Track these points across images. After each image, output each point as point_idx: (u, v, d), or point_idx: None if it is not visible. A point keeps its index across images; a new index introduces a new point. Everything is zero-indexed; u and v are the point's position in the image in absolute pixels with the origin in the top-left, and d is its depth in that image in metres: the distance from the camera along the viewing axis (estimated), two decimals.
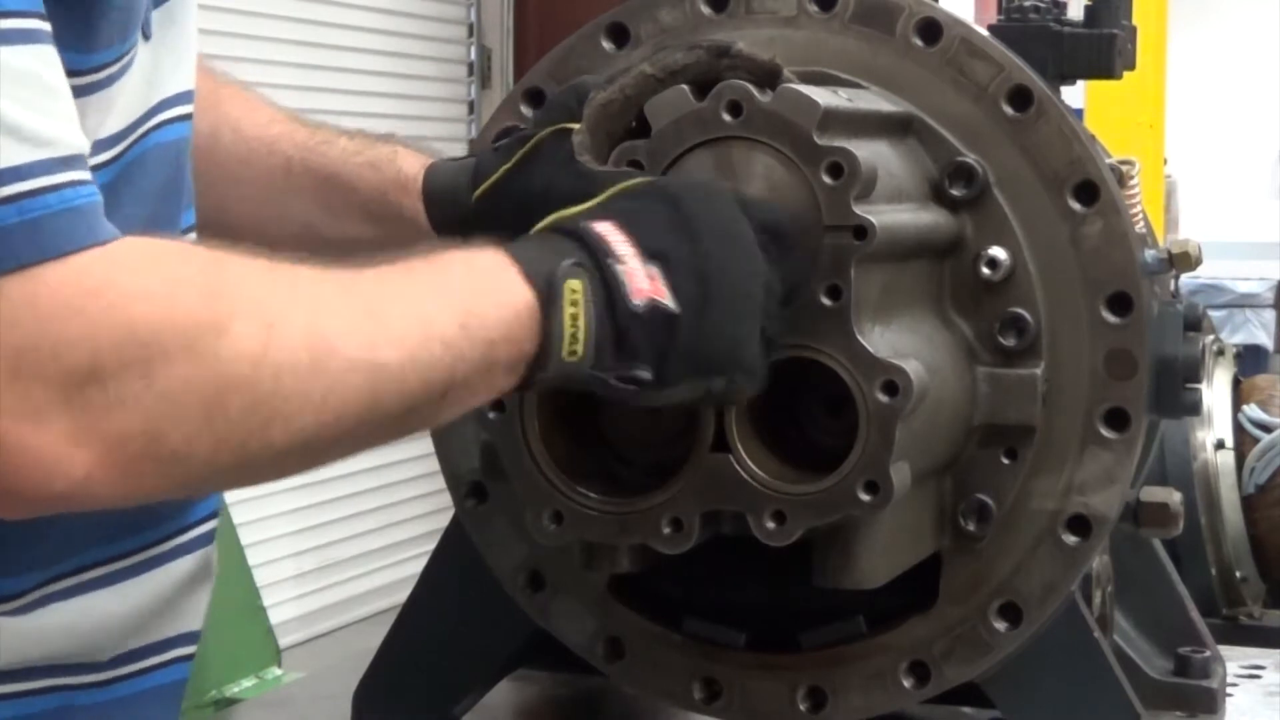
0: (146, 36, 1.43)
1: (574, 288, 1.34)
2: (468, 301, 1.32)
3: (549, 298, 1.34)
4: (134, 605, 1.51)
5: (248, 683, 2.49)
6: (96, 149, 1.37)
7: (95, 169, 1.29)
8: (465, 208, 1.63)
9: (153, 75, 1.46)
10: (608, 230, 1.38)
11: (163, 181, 1.48)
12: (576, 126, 1.55)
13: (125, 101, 1.41)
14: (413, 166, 1.70)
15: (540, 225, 1.42)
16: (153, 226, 1.44)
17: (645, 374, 1.38)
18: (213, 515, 1.60)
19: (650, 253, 1.37)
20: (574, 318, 1.34)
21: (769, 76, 1.51)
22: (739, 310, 1.41)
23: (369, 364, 1.26)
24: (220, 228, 1.69)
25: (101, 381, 1.17)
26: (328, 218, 1.71)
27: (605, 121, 1.54)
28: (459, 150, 1.80)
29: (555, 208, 1.47)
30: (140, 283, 1.20)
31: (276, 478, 1.30)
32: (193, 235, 1.56)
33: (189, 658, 1.59)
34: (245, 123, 1.74)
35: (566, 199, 1.48)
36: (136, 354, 1.17)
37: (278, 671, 2.57)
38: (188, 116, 1.51)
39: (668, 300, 1.37)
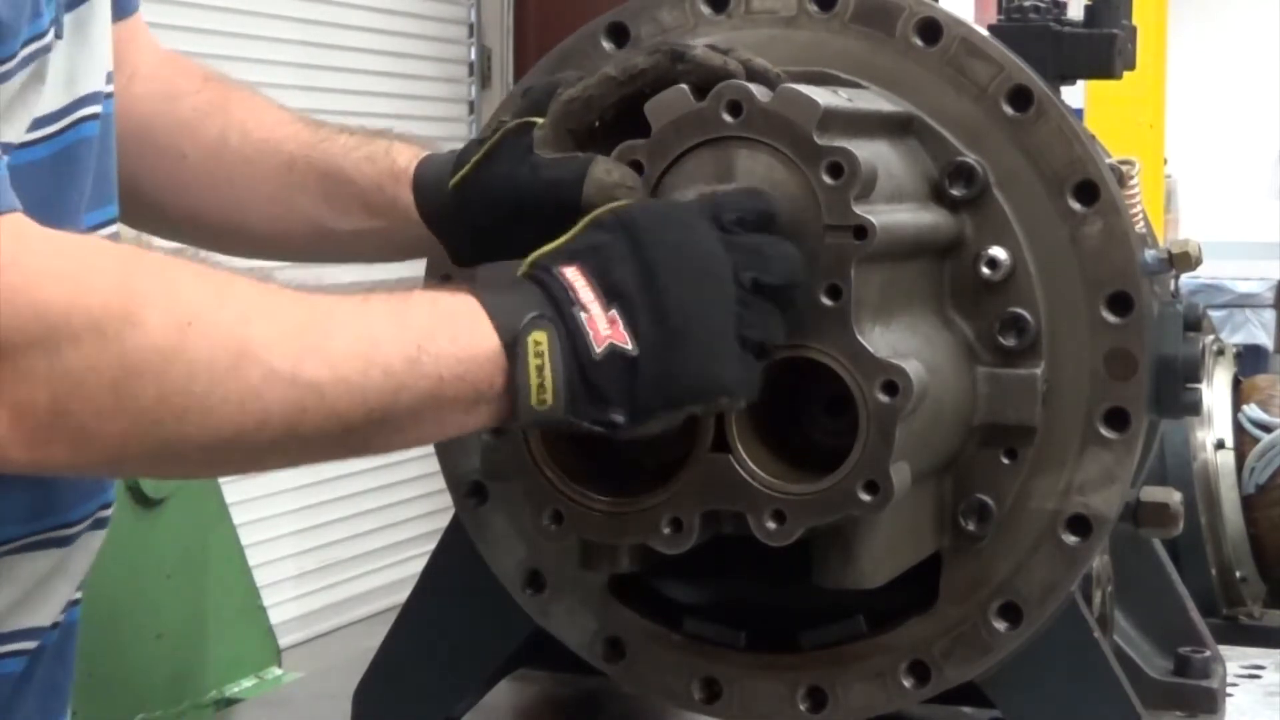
0: (59, 35, 1.46)
1: (538, 339, 1.38)
2: (422, 336, 1.36)
3: (513, 350, 1.38)
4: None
5: (248, 683, 2.49)
6: (36, 125, 1.42)
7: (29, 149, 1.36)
8: (446, 197, 1.66)
9: (70, 73, 1.49)
10: (574, 276, 1.41)
11: (86, 174, 1.51)
12: (540, 121, 1.59)
13: (49, 94, 1.45)
14: (406, 158, 1.73)
15: (526, 262, 1.45)
16: (74, 215, 1.48)
17: (618, 416, 1.41)
18: (106, 506, 1.61)
19: (611, 294, 1.41)
20: (539, 369, 1.38)
21: (718, 82, 1.53)
22: (703, 340, 1.42)
23: (291, 377, 1.29)
24: (233, 226, 1.74)
25: (8, 356, 1.21)
26: (333, 212, 1.74)
27: (567, 119, 1.58)
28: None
29: (516, 198, 1.55)
30: (51, 264, 1.24)
31: (209, 472, 1.37)
32: (115, 228, 1.59)
33: (27, 653, 1.59)
34: (251, 124, 1.77)
35: (524, 190, 1.55)
36: (42, 334, 1.22)
37: (278, 671, 2.56)
38: (98, 116, 1.54)
39: (627, 344, 1.40)
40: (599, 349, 1.39)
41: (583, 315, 1.40)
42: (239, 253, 1.80)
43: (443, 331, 1.37)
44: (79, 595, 1.63)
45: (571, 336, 1.39)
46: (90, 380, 1.23)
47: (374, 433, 1.35)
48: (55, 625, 1.59)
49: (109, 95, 1.56)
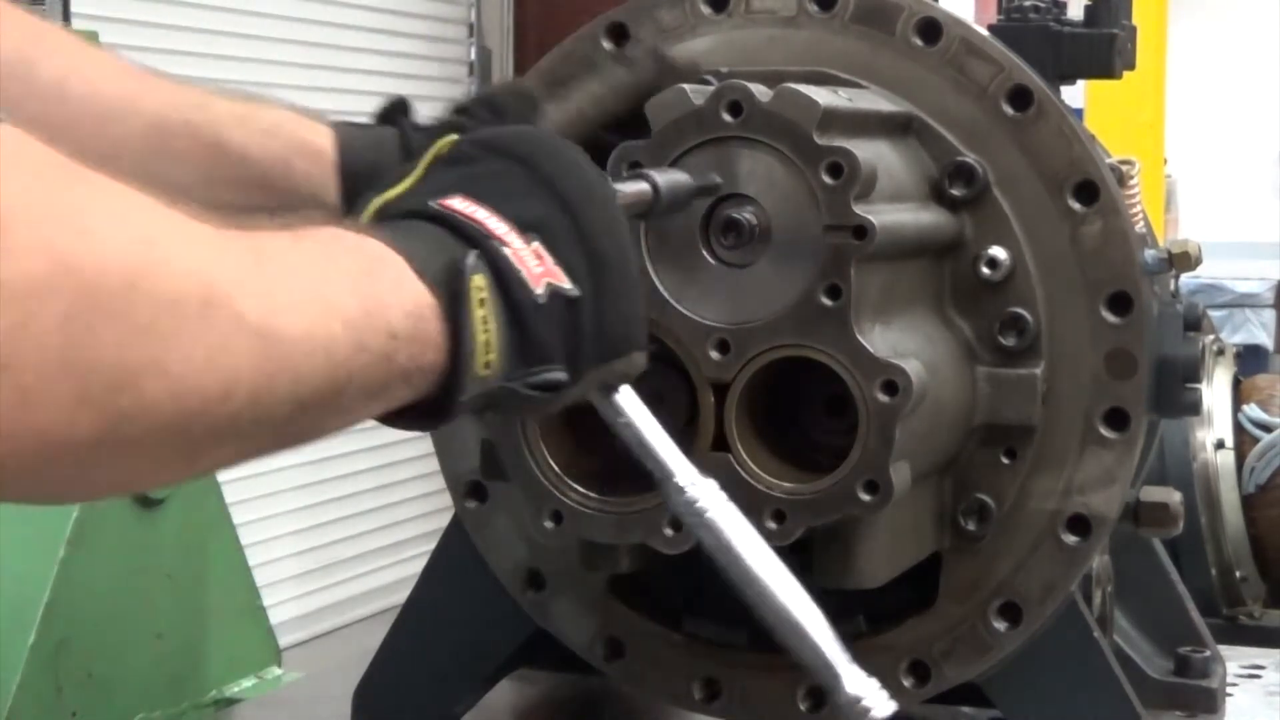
0: None
1: (479, 285, 1.11)
2: (364, 284, 1.06)
3: (454, 298, 1.09)
4: None
5: (248, 683, 2.49)
6: None
7: None
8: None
9: None
10: (467, 207, 1.14)
11: None
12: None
13: None
14: (316, 134, 1.49)
15: (369, 212, 1.18)
16: None
17: (559, 375, 1.15)
18: None
19: (524, 225, 1.15)
20: (484, 320, 1.10)
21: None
22: (629, 279, 1.20)
23: (264, 327, 0.97)
24: None
25: None
26: (207, 186, 1.43)
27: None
28: None
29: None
30: None
31: (156, 471, 0.98)
32: None
33: None
34: (93, 73, 1.43)
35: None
36: None
37: (278, 671, 2.56)
38: None
39: (565, 282, 1.15)
40: (538, 290, 1.13)
41: (506, 250, 1.13)
42: None
43: (379, 281, 1.07)
44: None
45: (504, 278, 1.12)
46: (39, 305, 0.86)
47: (324, 411, 1.03)
48: None
49: None
